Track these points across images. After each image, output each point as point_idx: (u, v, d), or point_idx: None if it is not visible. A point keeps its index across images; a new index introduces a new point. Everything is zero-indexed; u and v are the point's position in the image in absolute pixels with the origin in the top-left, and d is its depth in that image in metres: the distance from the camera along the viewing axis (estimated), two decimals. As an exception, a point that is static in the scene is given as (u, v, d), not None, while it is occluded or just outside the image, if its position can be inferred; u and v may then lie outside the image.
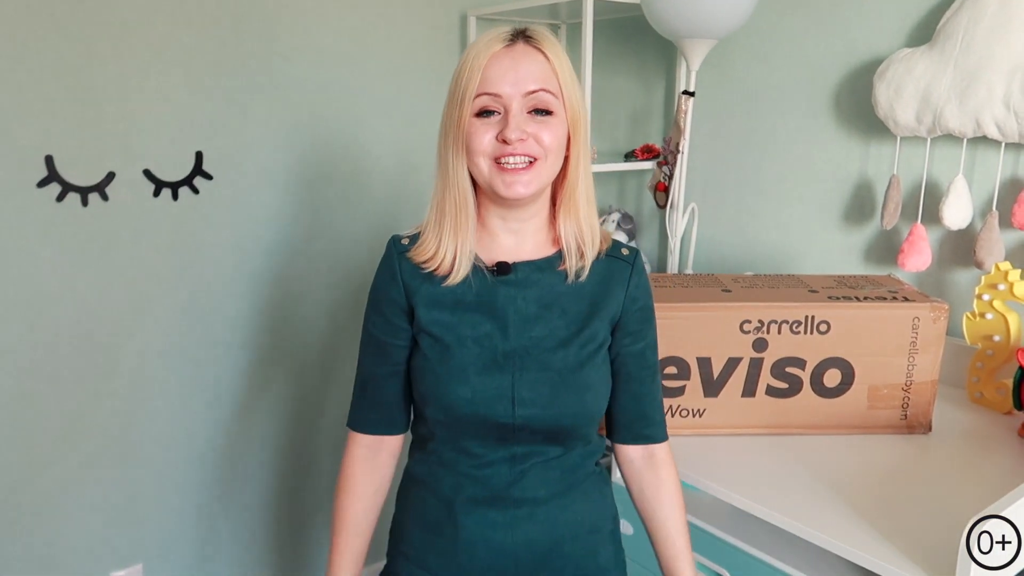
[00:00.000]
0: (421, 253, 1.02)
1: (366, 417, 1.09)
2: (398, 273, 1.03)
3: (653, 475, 1.09)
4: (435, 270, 1.01)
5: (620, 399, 1.08)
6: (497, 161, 0.95)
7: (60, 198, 1.63)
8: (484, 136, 0.95)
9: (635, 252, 1.08)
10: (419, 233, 1.05)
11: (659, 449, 1.10)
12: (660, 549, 1.09)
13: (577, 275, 1.02)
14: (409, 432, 1.12)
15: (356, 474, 1.09)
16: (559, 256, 1.03)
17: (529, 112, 0.95)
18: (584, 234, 1.02)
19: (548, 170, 0.97)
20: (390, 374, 1.06)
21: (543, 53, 0.96)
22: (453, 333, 1.00)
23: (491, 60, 0.94)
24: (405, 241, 1.05)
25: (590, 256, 1.03)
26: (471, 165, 0.97)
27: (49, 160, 1.61)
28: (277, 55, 1.87)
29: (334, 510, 1.10)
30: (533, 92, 0.94)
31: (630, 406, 1.08)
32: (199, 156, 1.79)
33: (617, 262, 1.06)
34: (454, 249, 1.00)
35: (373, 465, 1.10)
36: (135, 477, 1.84)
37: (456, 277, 1.00)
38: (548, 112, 0.96)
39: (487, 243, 1.03)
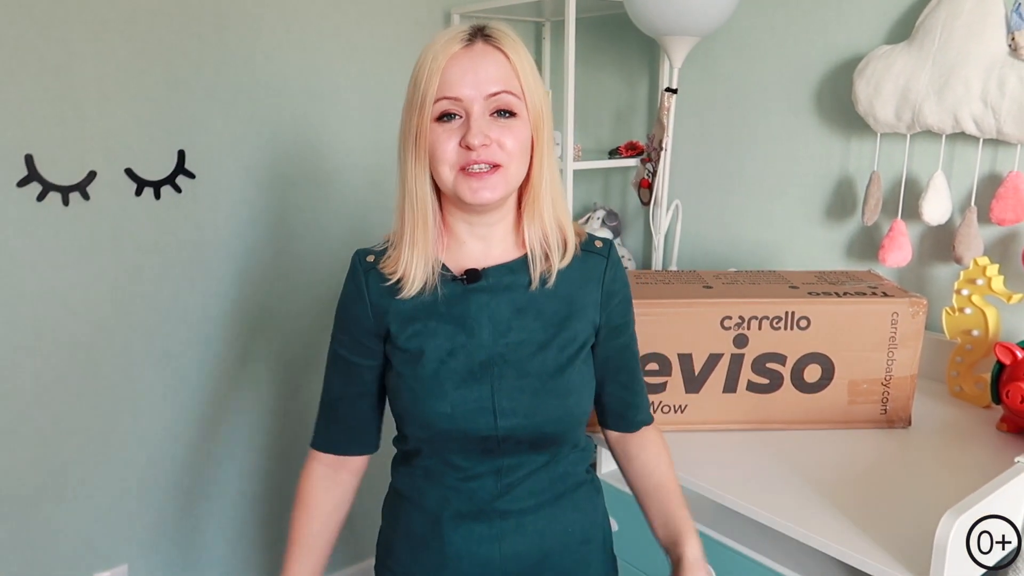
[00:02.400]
0: (388, 266, 0.98)
1: (332, 437, 1.06)
2: (365, 292, 0.99)
3: (640, 439, 1.10)
4: (401, 284, 0.96)
5: (610, 390, 1.07)
6: (463, 169, 0.91)
7: (40, 198, 1.62)
8: (448, 144, 0.90)
9: (608, 244, 1.05)
10: (385, 250, 1.01)
11: (648, 428, 1.11)
12: (651, 506, 1.05)
13: (543, 282, 0.99)
14: (393, 446, 1.10)
15: (313, 492, 1.05)
16: (528, 258, 1.00)
17: (491, 115, 0.91)
18: (550, 238, 0.98)
19: (513, 175, 0.93)
20: (359, 395, 1.04)
21: (503, 52, 0.91)
22: (427, 347, 0.96)
23: (450, 62, 0.90)
24: (371, 259, 1.00)
25: (557, 261, 0.99)
26: (434, 173, 0.93)
27: (29, 159, 1.60)
28: (259, 53, 1.86)
29: (289, 526, 1.05)
30: (495, 94, 0.90)
31: (620, 395, 1.08)
32: (181, 155, 1.79)
33: (591, 256, 1.03)
34: (416, 261, 0.95)
35: (332, 483, 1.06)
36: (119, 478, 1.83)
37: (412, 289, 0.96)
38: (511, 114, 0.92)
39: (455, 251, 0.99)
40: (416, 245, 0.96)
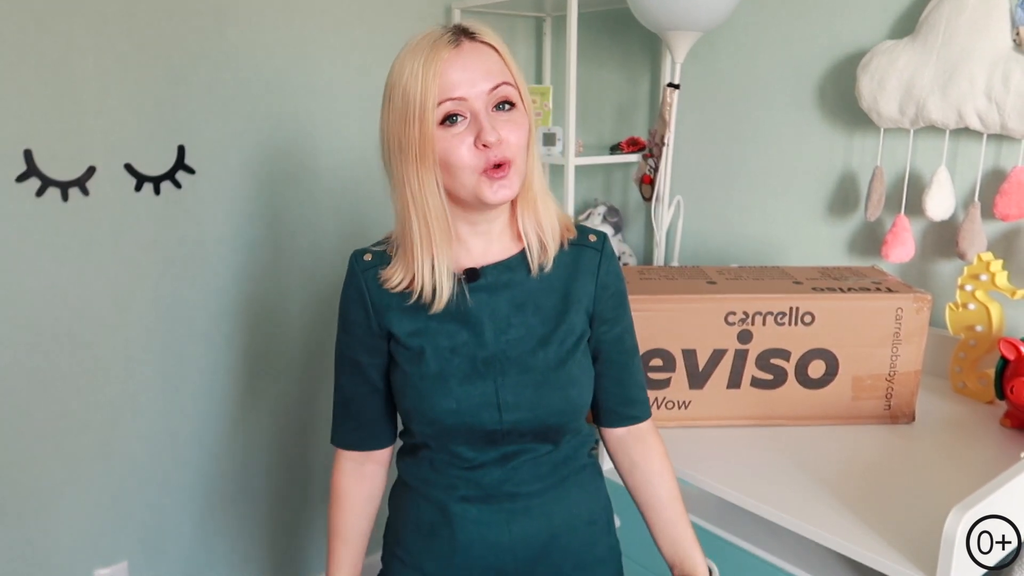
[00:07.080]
0: (390, 279, 0.98)
1: (349, 435, 1.08)
2: (365, 292, 1.00)
3: (641, 446, 1.08)
4: (411, 291, 0.97)
5: (603, 385, 1.07)
6: (484, 171, 0.90)
7: (40, 193, 1.61)
8: (462, 149, 0.89)
9: (603, 237, 1.05)
10: (384, 251, 1.01)
11: (645, 425, 1.09)
12: (657, 522, 1.06)
13: (541, 268, 1.00)
14: (398, 439, 1.11)
15: (344, 486, 1.10)
16: (525, 253, 1.01)
17: (492, 110, 0.90)
18: (544, 226, 1.00)
19: (522, 168, 0.93)
20: (369, 393, 1.05)
21: (491, 47, 0.92)
22: (430, 345, 0.98)
23: (444, 65, 0.88)
24: (368, 257, 1.01)
25: (552, 248, 1.00)
26: (450, 179, 0.91)
27: (28, 154, 1.59)
28: (260, 48, 1.85)
29: (328, 521, 1.12)
30: (496, 87, 0.90)
31: (613, 391, 1.08)
32: (181, 150, 1.78)
33: (585, 250, 1.03)
34: (431, 270, 0.95)
35: (360, 476, 1.10)
36: (119, 475, 1.82)
37: (440, 303, 0.96)
38: (511, 105, 0.92)
39: (456, 250, 0.98)
40: (428, 253, 0.95)
